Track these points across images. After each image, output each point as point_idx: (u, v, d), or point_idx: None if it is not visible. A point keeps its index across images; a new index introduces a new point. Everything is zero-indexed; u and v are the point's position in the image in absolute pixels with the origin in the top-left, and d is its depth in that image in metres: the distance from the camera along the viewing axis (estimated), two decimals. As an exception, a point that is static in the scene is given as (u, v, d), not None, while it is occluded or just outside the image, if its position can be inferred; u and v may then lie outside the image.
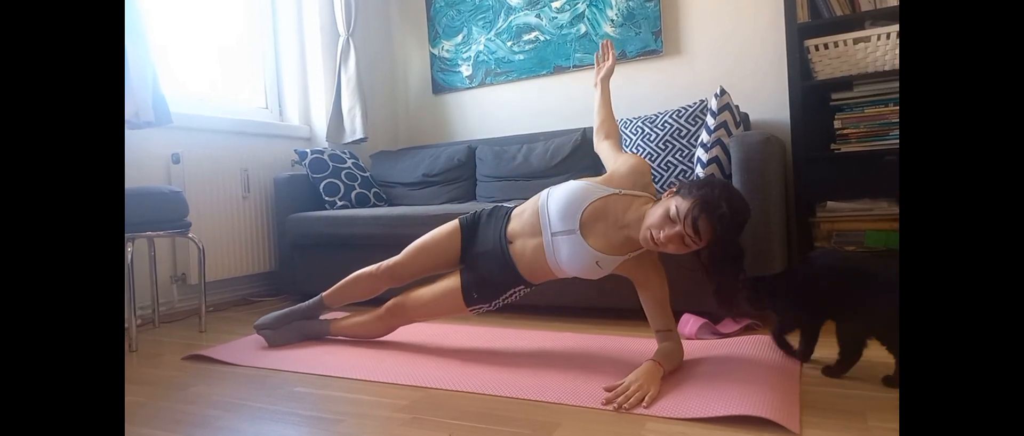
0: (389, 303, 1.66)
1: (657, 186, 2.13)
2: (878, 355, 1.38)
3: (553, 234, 1.38)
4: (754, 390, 1.13)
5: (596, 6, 2.77)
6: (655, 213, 1.26)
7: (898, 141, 2.05)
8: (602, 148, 1.54)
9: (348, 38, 2.96)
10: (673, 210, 1.21)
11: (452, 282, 1.57)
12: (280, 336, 1.72)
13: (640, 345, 1.55)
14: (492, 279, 1.51)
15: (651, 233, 1.24)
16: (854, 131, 2.13)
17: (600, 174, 1.46)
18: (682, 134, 2.11)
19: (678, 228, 1.20)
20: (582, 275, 1.39)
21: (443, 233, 1.62)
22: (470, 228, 1.59)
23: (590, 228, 1.35)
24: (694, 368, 1.32)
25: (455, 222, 1.62)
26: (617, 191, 1.36)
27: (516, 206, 1.56)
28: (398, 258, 1.66)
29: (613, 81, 2.78)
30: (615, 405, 1.12)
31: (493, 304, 1.54)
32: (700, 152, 1.94)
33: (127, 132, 2.11)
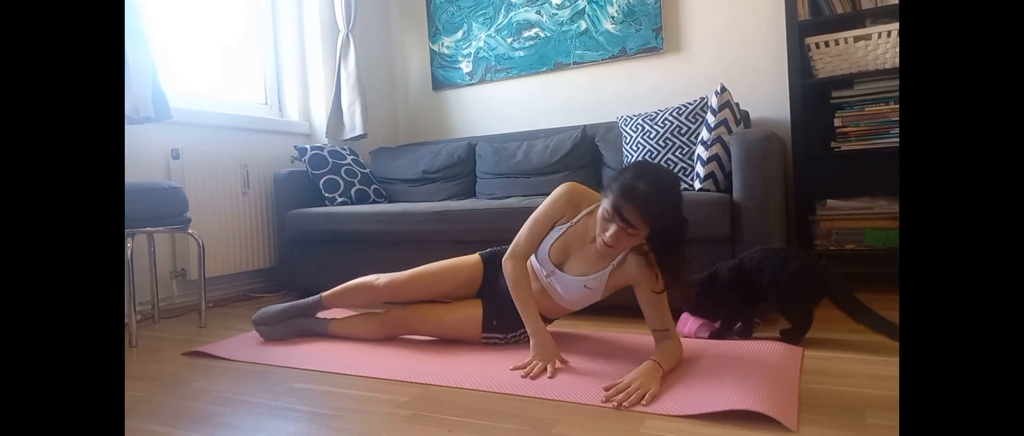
0: (394, 315, 1.66)
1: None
2: (875, 356, 1.39)
3: (545, 277, 1.49)
4: (752, 387, 1.13)
5: (596, 2, 2.77)
6: (598, 219, 1.30)
7: (898, 139, 2.05)
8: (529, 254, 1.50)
9: (348, 34, 2.95)
10: (603, 210, 1.26)
11: (473, 311, 1.58)
12: (277, 332, 1.73)
13: (639, 341, 1.55)
14: (512, 313, 1.50)
15: (600, 240, 1.28)
16: (854, 129, 2.13)
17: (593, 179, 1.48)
18: (682, 132, 2.11)
19: (615, 224, 1.23)
20: (583, 302, 1.49)
21: (466, 263, 1.64)
22: (492, 264, 1.62)
23: (566, 263, 1.45)
24: (693, 366, 1.32)
25: (477, 256, 1.66)
26: (570, 222, 1.44)
27: None
28: (404, 279, 1.64)
29: (613, 77, 2.79)
30: (615, 403, 1.12)
31: (508, 337, 1.58)
32: (700, 150, 1.94)
33: (127, 128, 2.11)
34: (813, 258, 1.52)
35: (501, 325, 1.56)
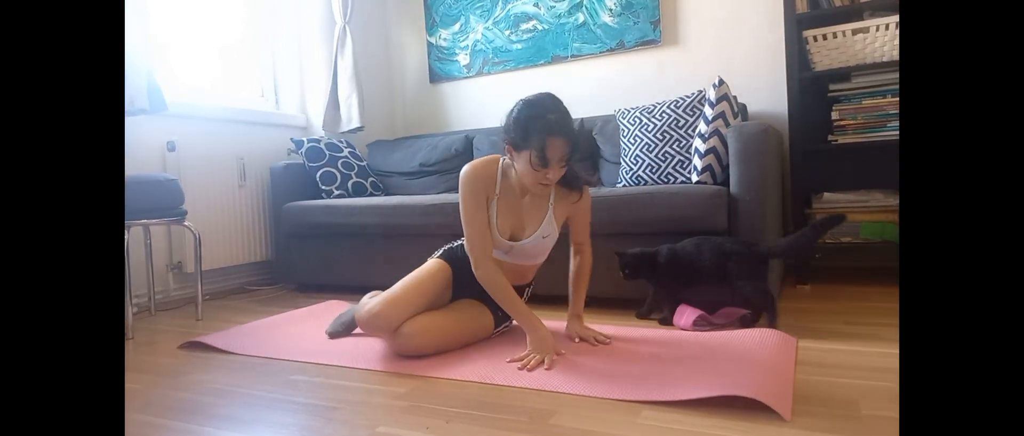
0: (401, 330, 1.44)
1: (656, 177, 2.12)
2: (870, 347, 1.39)
3: (505, 254, 1.53)
4: (748, 376, 1.14)
5: (594, -5, 2.76)
6: (523, 173, 1.38)
7: (895, 133, 2.05)
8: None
9: (345, 26, 2.94)
10: (531, 161, 1.34)
11: (480, 310, 1.54)
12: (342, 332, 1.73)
13: (634, 335, 1.55)
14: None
15: (538, 185, 1.39)
16: (851, 122, 2.13)
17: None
18: (680, 124, 2.10)
19: (550, 169, 1.34)
20: (548, 250, 1.56)
21: (432, 268, 1.55)
22: (454, 261, 1.58)
23: (517, 231, 1.50)
24: (689, 357, 1.33)
25: (437, 259, 1.58)
26: (496, 195, 1.48)
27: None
28: (385, 306, 1.45)
29: (611, 70, 2.78)
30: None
31: (512, 320, 1.60)
32: (698, 143, 1.94)
33: (122, 119, 2.10)
34: (748, 242, 1.59)
35: (506, 314, 1.55)
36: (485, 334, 1.56)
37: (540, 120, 1.33)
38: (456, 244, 1.64)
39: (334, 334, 1.70)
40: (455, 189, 2.69)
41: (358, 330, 1.70)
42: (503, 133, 1.42)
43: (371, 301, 1.54)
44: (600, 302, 1.93)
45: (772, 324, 1.52)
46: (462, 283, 1.57)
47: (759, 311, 1.57)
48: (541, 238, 1.49)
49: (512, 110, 1.41)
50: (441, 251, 1.64)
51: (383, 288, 1.67)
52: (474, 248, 1.45)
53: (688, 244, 1.64)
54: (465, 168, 1.47)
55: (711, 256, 1.58)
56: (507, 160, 1.48)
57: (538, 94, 1.41)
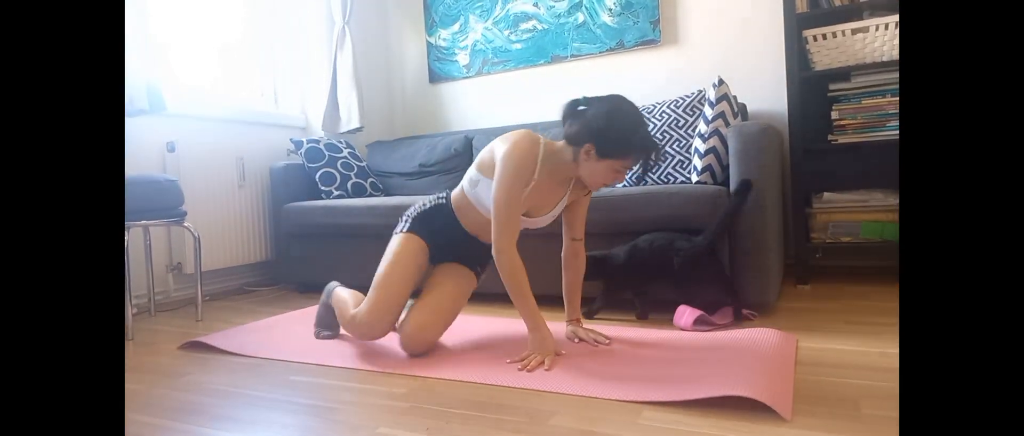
0: (405, 335, 1.45)
1: (656, 177, 2.12)
2: (870, 347, 1.39)
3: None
4: (748, 376, 1.14)
5: (594, -5, 2.76)
6: (596, 173, 1.39)
7: (895, 132, 2.05)
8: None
9: (344, 26, 2.94)
10: (622, 168, 1.38)
11: (462, 272, 1.56)
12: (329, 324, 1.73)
13: (633, 335, 1.55)
14: (478, 252, 1.60)
15: (601, 185, 1.43)
16: (851, 122, 2.13)
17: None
18: (680, 124, 2.10)
19: (623, 174, 1.40)
20: (547, 225, 1.58)
21: (403, 252, 1.50)
22: (425, 227, 1.54)
23: (532, 209, 1.50)
24: (689, 357, 1.33)
25: (409, 235, 1.53)
26: (534, 180, 1.43)
27: (450, 197, 1.58)
28: (378, 297, 1.46)
29: (610, 70, 2.78)
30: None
31: (489, 263, 1.64)
32: (698, 143, 1.94)
33: (121, 120, 2.10)
34: (691, 237, 1.68)
35: (483, 266, 1.62)
36: (473, 290, 1.61)
37: (636, 134, 1.35)
38: (429, 206, 1.56)
39: (328, 338, 1.68)
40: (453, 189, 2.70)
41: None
42: (586, 134, 1.35)
43: (355, 310, 1.48)
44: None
45: (739, 312, 1.63)
46: (438, 249, 1.56)
47: (732, 303, 1.64)
48: (551, 218, 1.52)
49: (594, 112, 1.36)
50: (408, 222, 1.55)
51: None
52: (502, 234, 1.38)
53: (642, 241, 1.71)
54: (511, 150, 1.38)
55: (663, 252, 1.66)
56: (551, 144, 1.44)
57: (619, 100, 1.38)
